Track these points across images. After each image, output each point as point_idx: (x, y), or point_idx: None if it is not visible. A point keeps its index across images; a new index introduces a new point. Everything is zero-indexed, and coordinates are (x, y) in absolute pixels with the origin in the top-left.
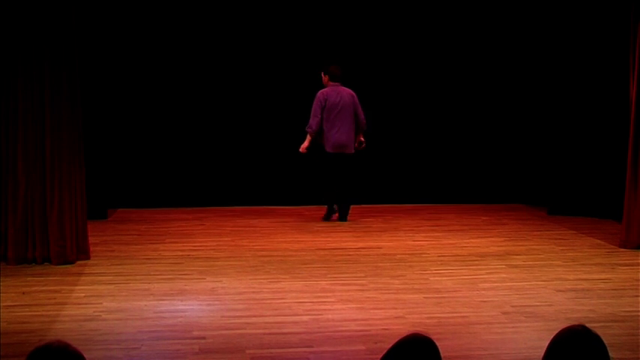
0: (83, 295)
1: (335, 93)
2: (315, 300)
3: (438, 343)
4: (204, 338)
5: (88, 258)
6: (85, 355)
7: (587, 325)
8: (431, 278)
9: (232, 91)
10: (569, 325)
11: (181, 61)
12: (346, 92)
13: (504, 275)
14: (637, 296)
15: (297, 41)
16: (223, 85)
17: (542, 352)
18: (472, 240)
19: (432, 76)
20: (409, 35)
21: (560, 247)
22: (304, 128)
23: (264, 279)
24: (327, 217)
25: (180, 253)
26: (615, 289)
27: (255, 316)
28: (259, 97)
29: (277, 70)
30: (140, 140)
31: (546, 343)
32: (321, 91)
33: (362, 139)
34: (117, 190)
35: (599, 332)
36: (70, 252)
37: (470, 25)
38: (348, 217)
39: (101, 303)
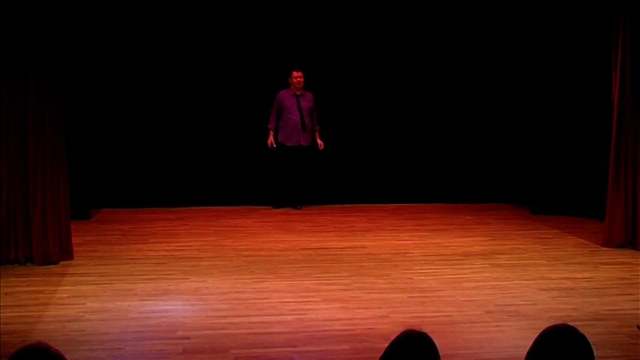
0: (66, 295)
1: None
2: (299, 300)
3: None
4: (188, 338)
5: (71, 258)
6: (69, 356)
7: (571, 323)
8: (415, 278)
9: (216, 91)
10: (552, 323)
11: (165, 62)
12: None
13: (488, 274)
14: (619, 295)
15: (285, 42)
16: (206, 85)
17: (525, 351)
18: (456, 239)
19: (416, 76)
20: (394, 37)
21: (544, 247)
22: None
23: (248, 279)
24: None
25: (164, 254)
26: (598, 288)
27: (239, 316)
28: (243, 98)
29: (260, 70)
30: (124, 140)
31: (530, 342)
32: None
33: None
34: (100, 191)
35: (582, 331)
36: (53, 252)
37: (453, 27)
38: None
39: (85, 303)
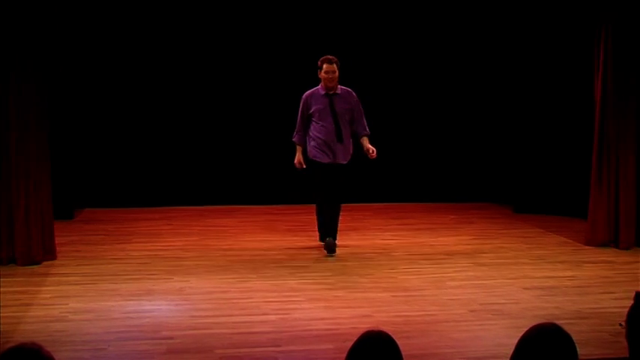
0: (49, 295)
1: None
2: (283, 299)
3: (405, 342)
4: (172, 338)
5: (54, 258)
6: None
7: (554, 322)
8: (399, 277)
9: (198, 89)
10: (535, 322)
11: (146, 60)
12: None
13: (472, 273)
14: (602, 293)
15: (272, 40)
16: (189, 83)
17: (509, 350)
18: (440, 239)
19: (399, 76)
20: (379, 37)
21: (527, 245)
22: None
23: (232, 278)
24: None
25: (148, 253)
26: (581, 287)
27: (223, 316)
28: (227, 96)
29: (248, 67)
30: (107, 140)
31: (513, 341)
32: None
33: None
34: (84, 190)
35: (565, 329)
36: (36, 252)
37: (437, 27)
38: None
39: (68, 304)
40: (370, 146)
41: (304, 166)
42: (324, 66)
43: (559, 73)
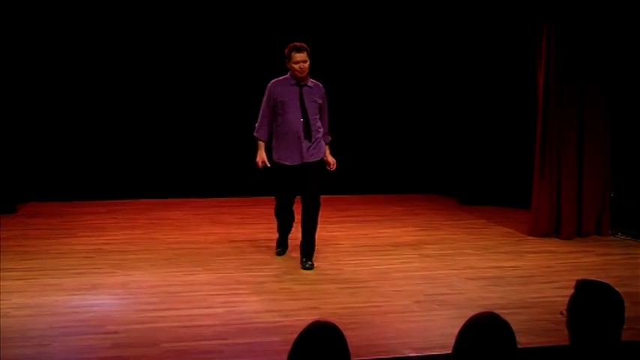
0: None
1: None
2: (229, 292)
3: (351, 333)
4: (117, 333)
5: None
6: None
7: (497, 311)
8: (345, 269)
9: (141, 79)
10: (479, 312)
11: (89, 51)
12: None
13: (417, 264)
14: (544, 283)
15: (225, 26)
16: (131, 73)
17: (454, 340)
18: (386, 230)
19: (344, 67)
20: (328, 29)
21: (472, 236)
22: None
23: (177, 272)
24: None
25: (93, 247)
26: (524, 277)
27: (168, 310)
28: (172, 86)
29: (197, 53)
30: (50, 132)
31: (458, 331)
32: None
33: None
34: (27, 184)
35: (509, 318)
36: None
37: (381, 19)
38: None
39: (10, 299)
40: (331, 158)
41: (268, 165)
42: (294, 55)
43: (503, 67)
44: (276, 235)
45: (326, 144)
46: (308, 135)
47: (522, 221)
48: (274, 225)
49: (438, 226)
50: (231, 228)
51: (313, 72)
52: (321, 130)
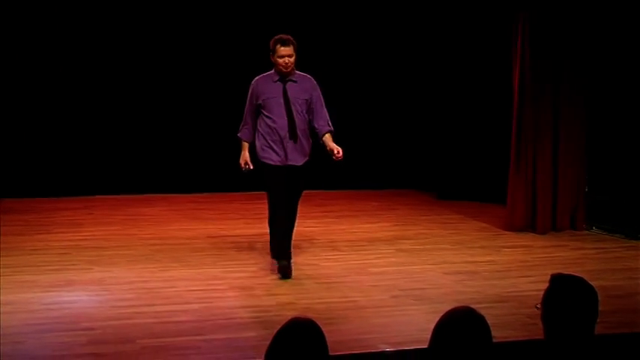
0: None
1: None
2: (206, 288)
3: (328, 328)
4: (92, 329)
5: None
6: None
7: (473, 306)
8: (321, 264)
9: (116, 74)
10: (455, 306)
11: (63, 47)
12: None
13: (393, 259)
14: (520, 277)
15: (196, 19)
16: (107, 67)
17: (430, 334)
18: (362, 225)
19: (321, 62)
20: (307, 24)
21: (448, 231)
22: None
23: (154, 268)
24: None
25: (69, 244)
26: (500, 271)
27: (145, 306)
28: (148, 80)
29: (171, 47)
30: (25, 128)
31: (434, 325)
32: None
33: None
34: (1, 180)
35: (484, 313)
36: None
37: (358, 16)
38: None
39: None
40: (335, 145)
41: (251, 167)
42: (278, 48)
43: (480, 63)
44: (252, 231)
45: (325, 133)
46: (293, 135)
47: (498, 216)
48: (251, 220)
49: (414, 221)
50: (208, 224)
51: (298, 65)
52: (308, 130)
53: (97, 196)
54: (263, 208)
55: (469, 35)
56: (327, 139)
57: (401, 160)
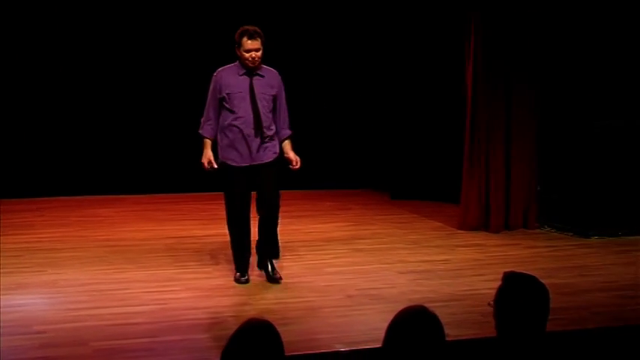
0: None
1: None
2: (160, 289)
3: (284, 329)
4: (44, 332)
5: None
6: None
7: (428, 305)
8: (277, 264)
9: (66, 70)
10: (408, 305)
11: (12, 48)
12: None
13: (349, 259)
14: (474, 275)
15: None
16: (57, 65)
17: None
18: (318, 225)
19: (276, 61)
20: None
21: (403, 231)
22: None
23: (108, 269)
24: None
25: (21, 246)
26: (454, 270)
27: (98, 308)
28: (100, 76)
29: (126, 40)
30: None
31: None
32: None
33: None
34: None
35: (439, 312)
36: None
37: (308, 15)
38: None
39: None
40: (294, 155)
41: (215, 166)
42: (245, 41)
43: (432, 62)
44: (208, 232)
45: (285, 138)
46: (259, 132)
47: (452, 215)
48: (207, 221)
49: (369, 220)
50: (163, 225)
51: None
52: (274, 127)
53: (50, 198)
54: (219, 209)
55: (422, 34)
56: (287, 145)
57: (355, 159)
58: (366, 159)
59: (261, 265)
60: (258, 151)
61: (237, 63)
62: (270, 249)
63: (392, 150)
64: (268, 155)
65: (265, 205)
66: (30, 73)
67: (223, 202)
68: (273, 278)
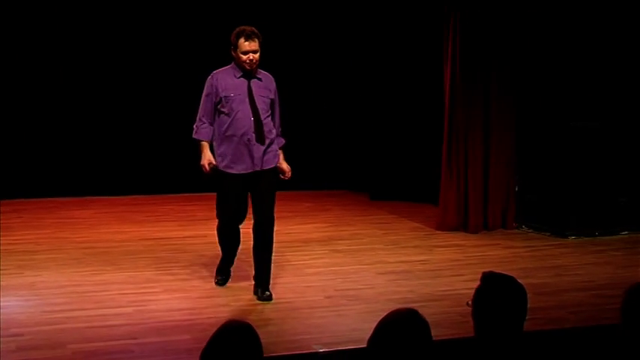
0: None
1: None
2: (139, 291)
3: (263, 330)
4: (21, 335)
5: None
6: None
7: (407, 305)
8: None
9: (47, 74)
10: (390, 306)
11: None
12: None
13: (328, 260)
14: (453, 276)
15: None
16: (35, 69)
17: (364, 334)
18: (296, 226)
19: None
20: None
21: (382, 231)
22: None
23: (86, 271)
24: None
25: None
26: (433, 270)
27: (76, 310)
28: (79, 78)
29: (108, 43)
30: None
31: (368, 325)
32: None
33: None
34: None
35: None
36: None
37: (289, 12)
38: None
39: None
40: (287, 166)
41: (215, 163)
42: (242, 43)
43: (410, 63)
44: (186, 233)
45: (279, 148)
46: (260, 137)
47: (431, 216)
48: (185, 222)
49: (348, 221)
50: (141, 226)
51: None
52: (274, 131)
53: (27, 199)
54: (198, 210)
55: (400, 35)
56: (280, 155)
57: (333, 160)
58: (345, 160)
59: (257, 291)
60: (262, 156)
61: (232, 65)
62: (268, 276)
63: (371, 151)
64: (271, 161)
65: (264, 213)
66: (7, 77)
67: (215, 206)
68: (264, 298)
